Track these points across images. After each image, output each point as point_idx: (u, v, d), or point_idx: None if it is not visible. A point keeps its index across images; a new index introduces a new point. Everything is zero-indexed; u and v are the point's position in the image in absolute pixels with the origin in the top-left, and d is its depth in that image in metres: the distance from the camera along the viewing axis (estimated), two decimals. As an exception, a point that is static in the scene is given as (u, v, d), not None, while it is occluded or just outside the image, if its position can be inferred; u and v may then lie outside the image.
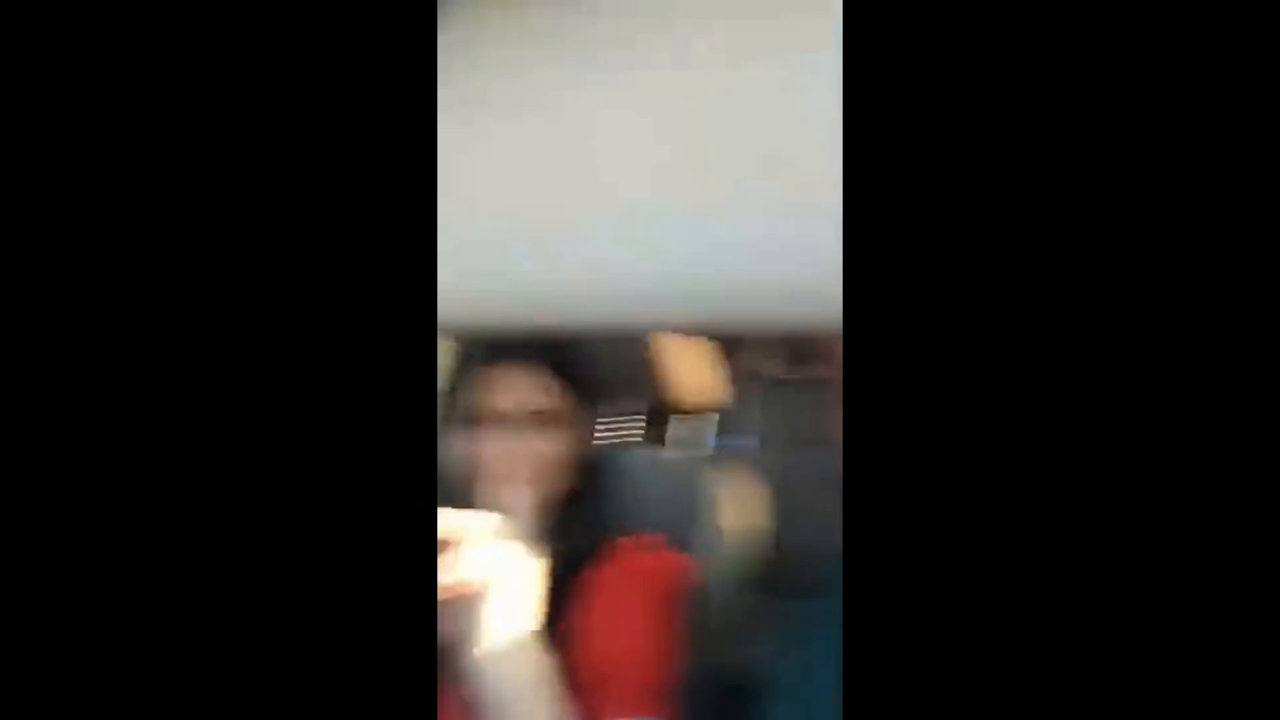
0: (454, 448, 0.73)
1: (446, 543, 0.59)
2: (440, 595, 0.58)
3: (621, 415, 1.26)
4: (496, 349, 0.75)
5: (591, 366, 0.80)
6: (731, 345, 1.25)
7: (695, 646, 0.80)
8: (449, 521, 0.59)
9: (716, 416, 1.48)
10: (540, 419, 0.73)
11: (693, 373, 0.94)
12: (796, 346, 0.99)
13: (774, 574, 0.90)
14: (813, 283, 0.36)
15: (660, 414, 1.15)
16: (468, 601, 0.60)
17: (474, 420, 0.73)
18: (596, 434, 1.22)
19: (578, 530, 0.74)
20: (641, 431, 1.23)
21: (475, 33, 0.44)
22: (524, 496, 0.70)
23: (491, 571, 0.60)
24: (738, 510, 0.89)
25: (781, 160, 0.38)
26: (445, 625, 0.64)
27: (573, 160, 0.42)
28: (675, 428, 1.18)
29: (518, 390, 0.73)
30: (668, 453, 1.03)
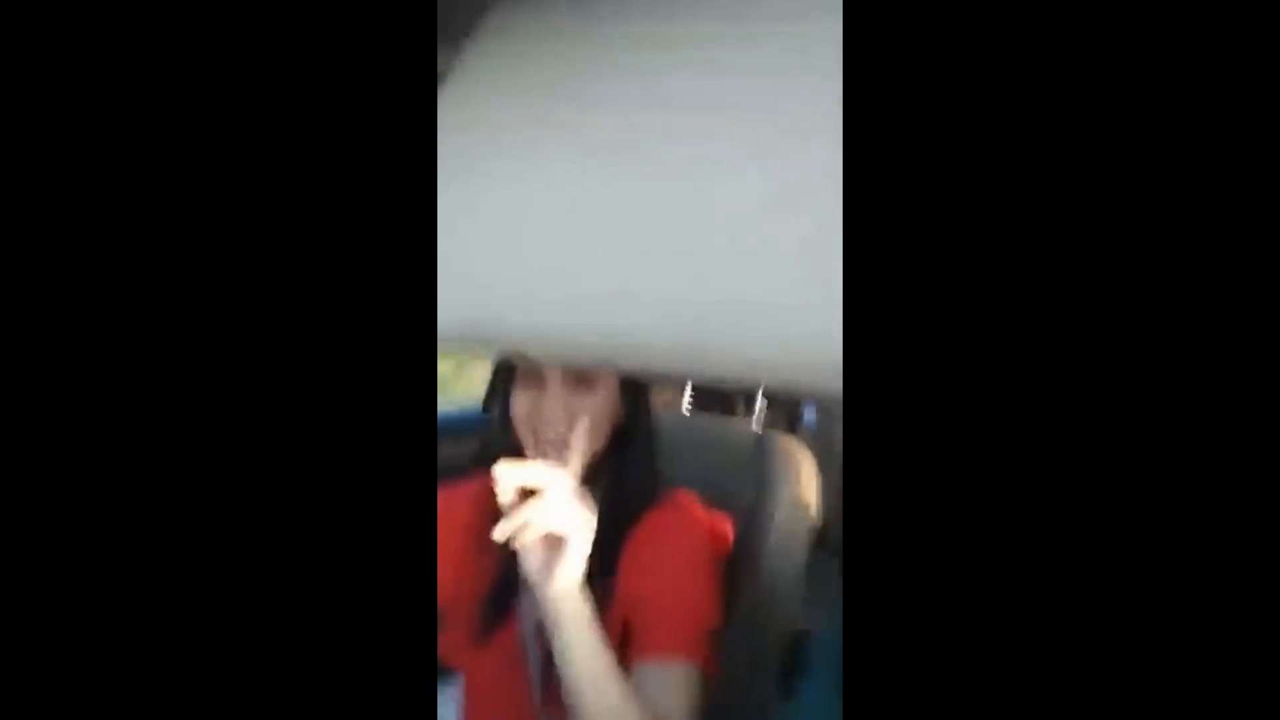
0: (506, 407, 0.78)
1: (527, 490, 0.62)
2: (517, 541, 0.61)
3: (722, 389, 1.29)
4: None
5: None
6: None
7: (741, 602, 0.82)
8: (529, 472, 0.62)
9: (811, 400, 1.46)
10: (581, 379, 0.75)
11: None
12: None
13: (824, 538, 0.90)
14: (812, 342, 0.36)
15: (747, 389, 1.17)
16: (543, 548, 0.63)
17: (521, 383, 0.77)
18: (686, 402, 1.26)
19: (623, 485, 0.77)
20: (733, 404, 1.25)
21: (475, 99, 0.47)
22: (568, 451, 0.71)
23: (567, 520, 0.62)
24: (795, 479, 0.90)
25: (779, 242, 0.37)
26: (519, 568, 0.69)
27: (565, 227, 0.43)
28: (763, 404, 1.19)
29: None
30: (732, 420, 1.04)
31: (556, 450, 0.73)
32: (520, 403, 0.76)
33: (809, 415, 1.31)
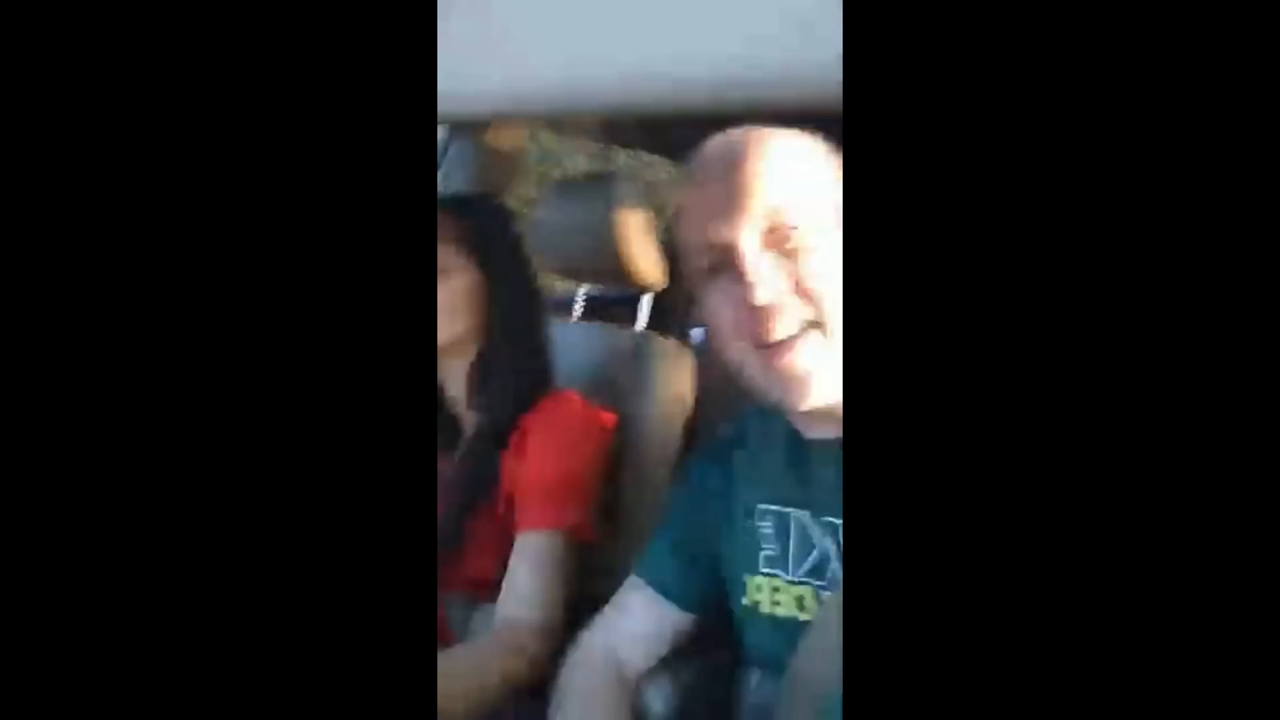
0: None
1: None
2: None
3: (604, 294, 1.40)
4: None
5: (501, 230, 0.91)
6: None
7: (622, 482, 0.96)
8: None
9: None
10: (443, 278, 0.85)
11: (646, 249, 1.04)
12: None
13: (695, 436, 1.04)
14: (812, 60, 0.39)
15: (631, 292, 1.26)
16: None
17: None
18: (577, 310, 1.36)
19: (505, 382, 0.88)
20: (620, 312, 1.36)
21: None
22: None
23: None
24: (670, 380, 1.02)
25: None
26: None
27: None
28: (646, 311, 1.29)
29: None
30: (610, 326, 1.15)
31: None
32: None
33: (697, 335, 1.43)
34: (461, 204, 0.92)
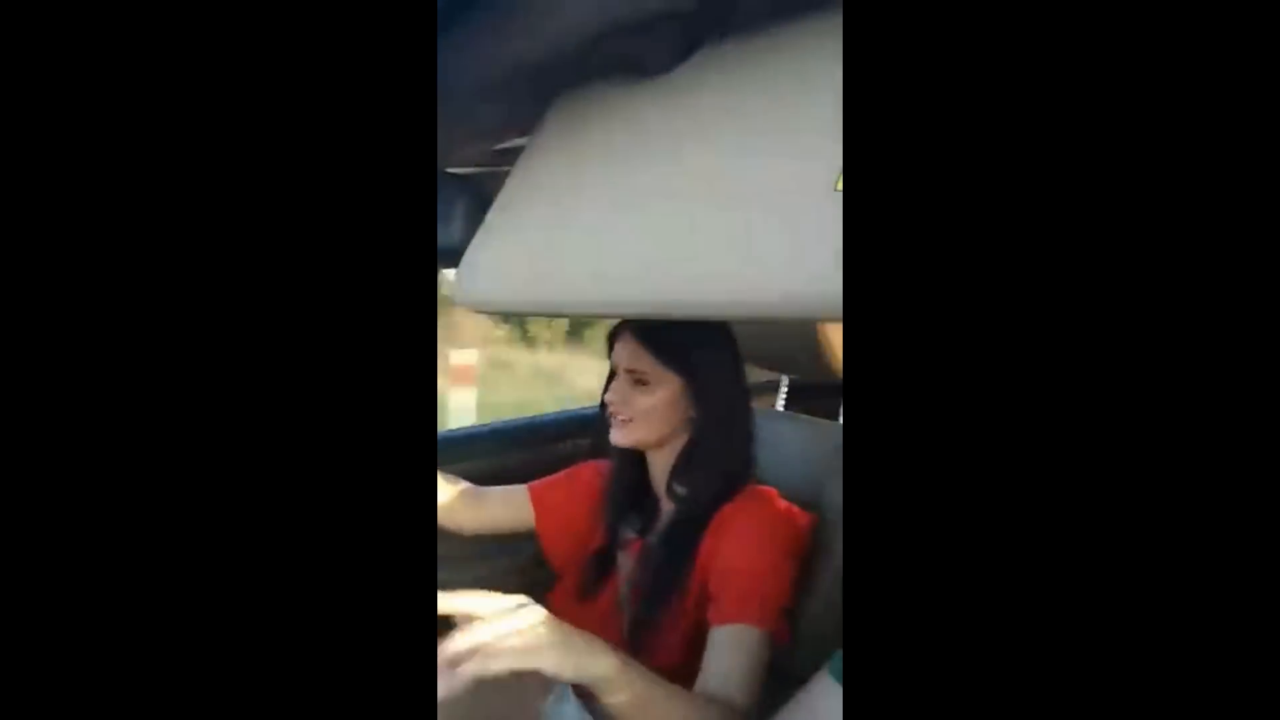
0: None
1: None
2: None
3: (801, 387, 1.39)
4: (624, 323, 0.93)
5: (693, 337, 0.93)
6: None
7: (818, 590, 0.93)
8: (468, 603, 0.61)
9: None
10: (633, 377, 0.90)
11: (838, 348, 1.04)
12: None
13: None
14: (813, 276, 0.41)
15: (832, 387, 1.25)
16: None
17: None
18: (781, 400, 1.36)
19: (705, 473, 0.89)
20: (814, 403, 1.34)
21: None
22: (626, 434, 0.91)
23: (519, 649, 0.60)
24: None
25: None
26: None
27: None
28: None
29: (623, 353, 0.91)
30: (820, 419, 1.13)
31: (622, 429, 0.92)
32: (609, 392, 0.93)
33: None
34: (651, 327, 0.93)
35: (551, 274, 0.59)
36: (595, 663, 0.63)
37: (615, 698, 0.64)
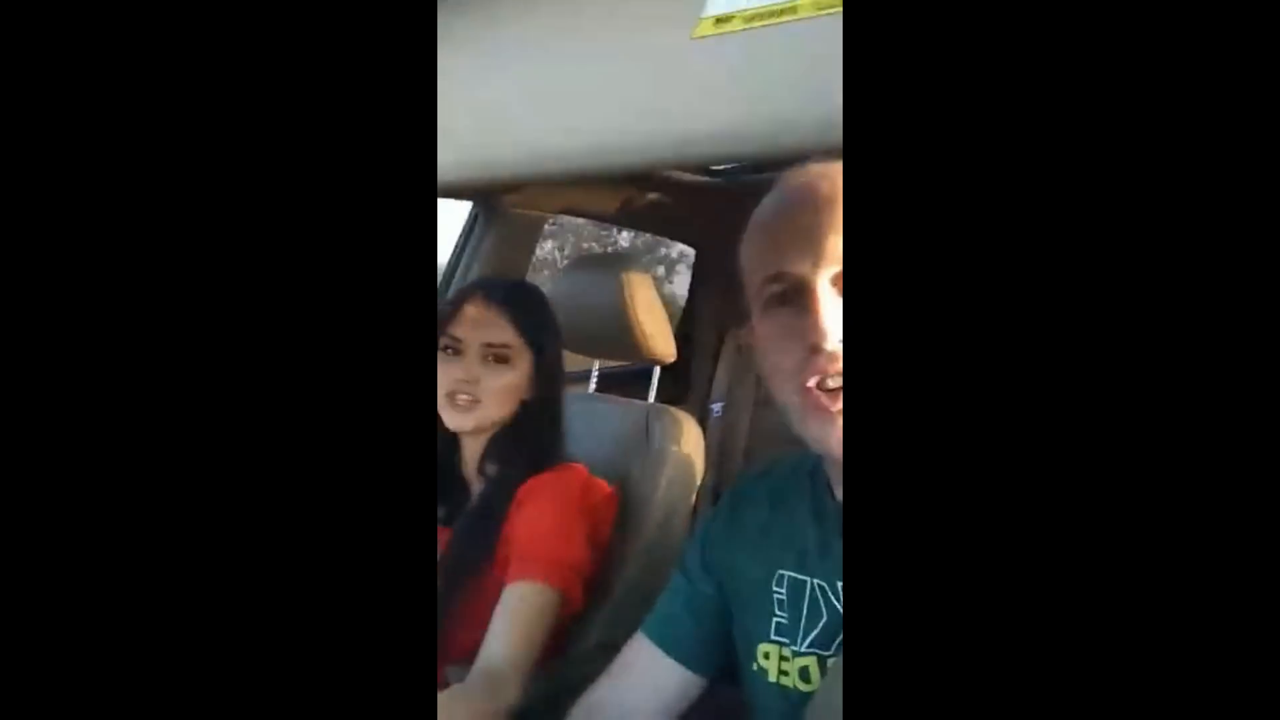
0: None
1: None
2: None
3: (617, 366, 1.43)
4: (469, 287, 0.90)
5: (546, 313, 0.94)
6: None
7: (628, 554, 0.97)
8: None
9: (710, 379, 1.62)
10: (493, 352, 0.89)
11: (656, 324, 1.08)
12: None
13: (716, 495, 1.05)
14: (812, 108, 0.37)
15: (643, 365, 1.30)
16: None
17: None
18: (592, 384, 1.39)
19: (519, 453, 0.91)
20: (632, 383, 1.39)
21: None
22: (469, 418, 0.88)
23: None
24: (678, 452, 1.04)
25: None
26: None
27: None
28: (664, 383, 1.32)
29: (477, 325, 0.89)
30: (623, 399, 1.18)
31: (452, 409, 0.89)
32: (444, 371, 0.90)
33: (716, 409, 1.46)
34: (513, 290, 0.94)
35: (534, 132, 0.52)
36: None
37: None
